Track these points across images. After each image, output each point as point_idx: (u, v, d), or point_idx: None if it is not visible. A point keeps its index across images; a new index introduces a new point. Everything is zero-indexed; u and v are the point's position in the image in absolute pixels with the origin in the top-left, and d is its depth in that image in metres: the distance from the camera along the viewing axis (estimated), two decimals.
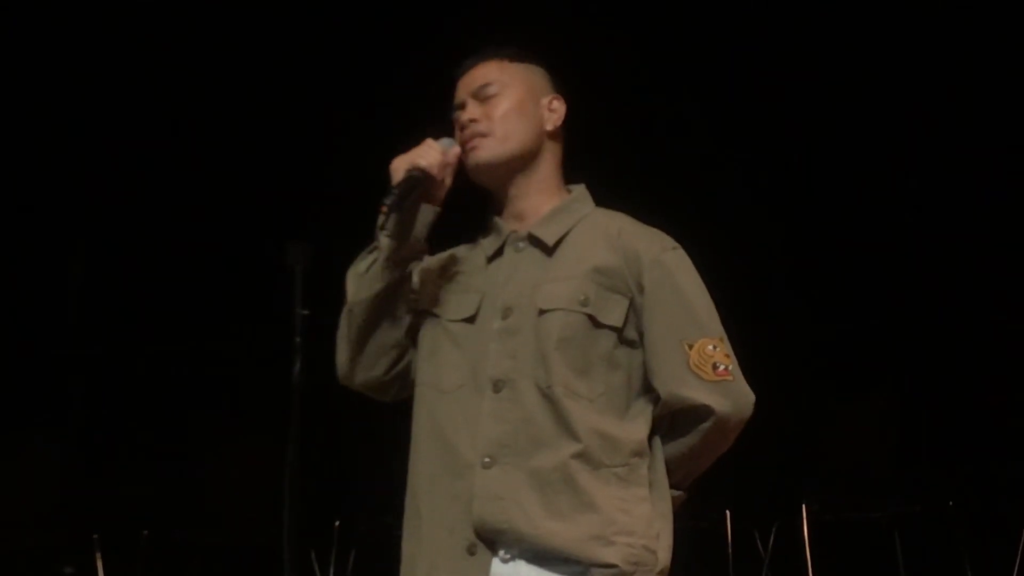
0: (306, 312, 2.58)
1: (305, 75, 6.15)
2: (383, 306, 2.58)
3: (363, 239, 2.62)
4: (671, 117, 6.06)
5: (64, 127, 6.14)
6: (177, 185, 6.24)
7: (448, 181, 2.58)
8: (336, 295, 2.64)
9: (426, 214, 2.57)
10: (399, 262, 2.57)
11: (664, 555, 2.47)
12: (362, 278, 2.59)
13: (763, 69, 6.15)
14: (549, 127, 2.63)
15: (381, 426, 2.80)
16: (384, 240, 2.56)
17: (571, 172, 2.70)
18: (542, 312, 2.51)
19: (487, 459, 2.45)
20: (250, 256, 5.27)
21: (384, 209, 2.49)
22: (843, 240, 6.29)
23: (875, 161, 6.21)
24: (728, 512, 5.81)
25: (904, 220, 6.21)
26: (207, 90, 6.20)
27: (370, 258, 2.60)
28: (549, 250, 2.57)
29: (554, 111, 2.64)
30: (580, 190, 2.68)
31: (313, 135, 6.10)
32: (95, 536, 5.78)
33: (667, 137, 6.04)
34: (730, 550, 5.83)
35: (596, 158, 2.76)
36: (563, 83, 2.69)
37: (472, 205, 2.67)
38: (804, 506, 5.83)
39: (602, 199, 2.69)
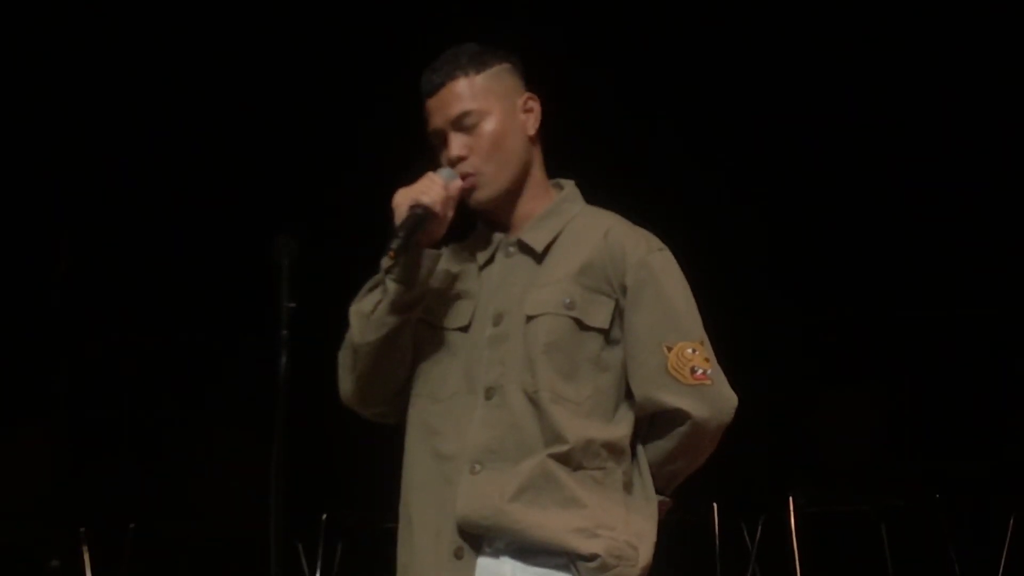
0: (293, 305, 2.57)
1: (293, 70, 6.14)
2: (388, 347, 2.55)
3: (349, 233, 2.61)
4: (647, 112, 6.07)
5: (49, 122, 6.13)
6: (164, 179, 6.23)
7: (450, 214, 2.53)
8: (323, 288, 2.64)
9: (430, 259, 2.53)
10: (404, 308, 2.53)
11: (645, 552, 2.47)
12: (367, 320, 2.54)
13: (738, 65, 6.16)
14: (531, 132, 2.59)
15: (368, 420, 2.79)
16: (391, 285, 2.51)
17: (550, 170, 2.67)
18: (530, 318, 2.50)
19: (476, 466, 2.46)
20: (237, 250, 5.26)
21: (392, 253, 2.45)
22: (829, 231, 6.29)
23: (860, 151, 6.21)
24: (715, 505, 5.81)
25: (891, 211, 6.21)
26: (195, 85, 6.19)
27: (374, 297, 2.55)
28: (538, 256, 2.56)
29: (530, 111, 2.59)
30: (570, 188, 2.65)
31: (300, 129, 6.09)
32: (82, 529, 5.78)
33: (645, 132, 6.05)
34: (717, 543, 5.83)
35: (571, 156, 2.74)
36: (528, 69, 2.62)
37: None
38: (791, 499, 5.84)
39: (584, 195, 2.67)
